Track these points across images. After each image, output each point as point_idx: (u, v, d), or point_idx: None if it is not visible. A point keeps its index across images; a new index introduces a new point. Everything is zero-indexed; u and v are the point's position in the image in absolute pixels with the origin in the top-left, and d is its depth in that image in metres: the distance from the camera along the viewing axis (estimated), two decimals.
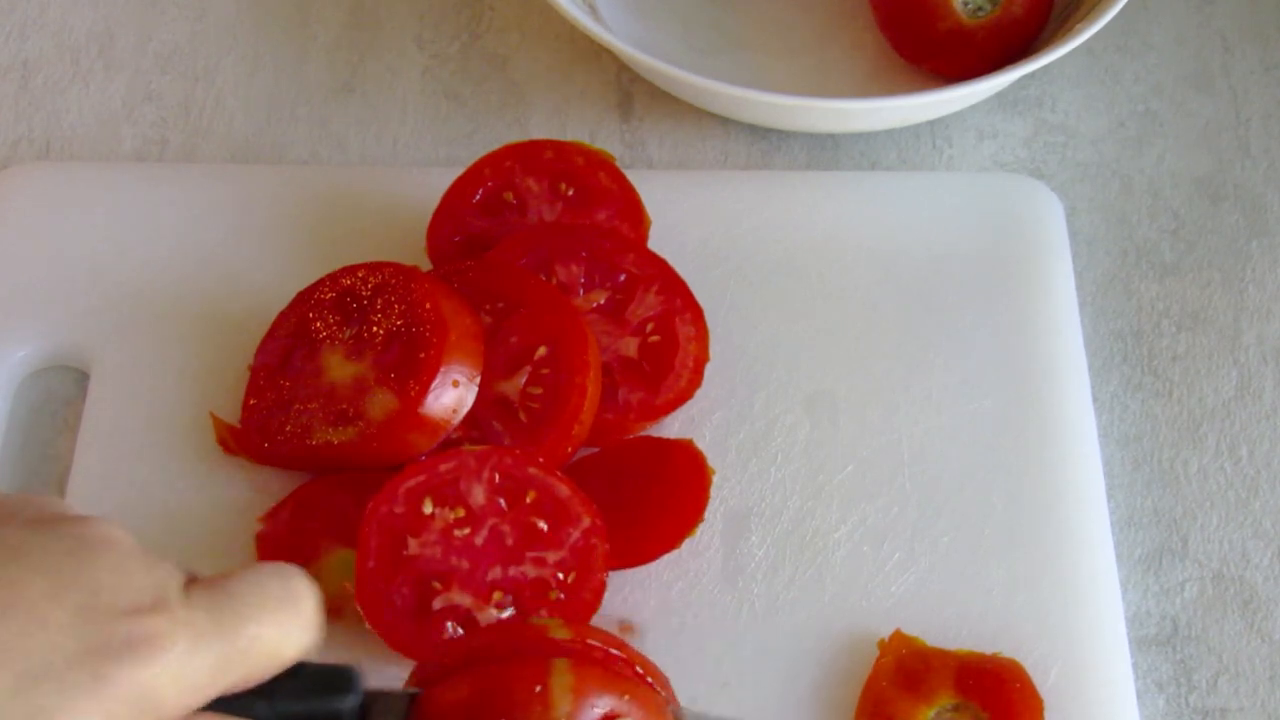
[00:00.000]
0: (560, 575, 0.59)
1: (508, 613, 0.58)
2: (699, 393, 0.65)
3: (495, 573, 0.58)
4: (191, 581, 0.45)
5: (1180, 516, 0.65)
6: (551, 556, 0.59)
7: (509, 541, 0.59)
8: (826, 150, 0.75)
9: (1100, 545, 0.62)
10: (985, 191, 0.72)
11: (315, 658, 0.47)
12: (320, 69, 0.79)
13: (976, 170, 0.75)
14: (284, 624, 0.45)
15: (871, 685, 0.58)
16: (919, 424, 0.65)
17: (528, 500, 0.59)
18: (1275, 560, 0.64)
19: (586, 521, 0.59)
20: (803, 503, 0.63)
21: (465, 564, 0.58)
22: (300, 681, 0.46)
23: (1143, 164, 0.76)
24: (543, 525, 0.59)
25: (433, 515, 0.59)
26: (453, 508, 0.59)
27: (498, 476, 0.59)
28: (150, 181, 0.73)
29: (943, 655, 0.59)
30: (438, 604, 0.58)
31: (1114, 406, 0.68)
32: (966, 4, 0.74)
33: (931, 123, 0.76)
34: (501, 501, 0.59)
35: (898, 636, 0.59)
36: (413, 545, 0.58)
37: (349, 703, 0.46)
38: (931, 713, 0.58)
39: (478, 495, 0.59)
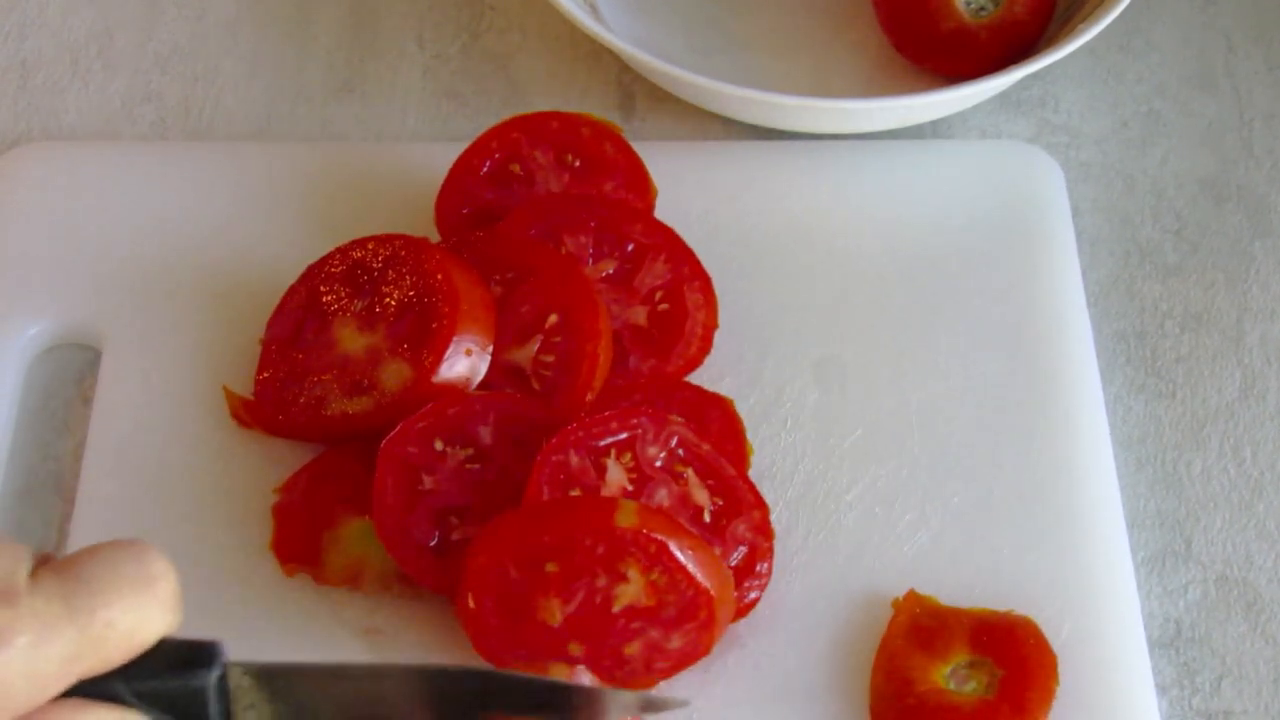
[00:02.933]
0: None
1: None
2: (708, 359, 0.65)
3: None
4: (42, 563, 0.43)
5: (1184, 518, 0.65)
6: None
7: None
8: None
9: (1108, 501, 0.62)
10: (985, 158, 0.72)
11: (179, 633, 0.45)
12: (320, 69, 0.79)
13: (976, 138, 0.75)
14: (141, 607, 0.43)
15: (886, 644, 0.59)
16: (926, 387, 0.65)
17: None
18: (1279, 562, 0.64)
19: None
20: (813, 466, 0.64)
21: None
22: (158, 659, 0.44)
23: (1146, 164, 0.75)
24: None
25: (444, 453, 0.60)
26: (463, 446, 0.60)
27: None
28: (159, 159, 0.73)
29: (957, 614, 0.59)
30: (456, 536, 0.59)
31: (1117, 408, 0.67)
32: (969, 4, 0.74)
33: (934, 123, 0.75)
34: None
35: (912, 596, 0.60)
36: (427, 481, 0.59)
37: (209, 678, 0.45)
38: (947, 670, 0.58)
39: (485, 435, 0.60)
